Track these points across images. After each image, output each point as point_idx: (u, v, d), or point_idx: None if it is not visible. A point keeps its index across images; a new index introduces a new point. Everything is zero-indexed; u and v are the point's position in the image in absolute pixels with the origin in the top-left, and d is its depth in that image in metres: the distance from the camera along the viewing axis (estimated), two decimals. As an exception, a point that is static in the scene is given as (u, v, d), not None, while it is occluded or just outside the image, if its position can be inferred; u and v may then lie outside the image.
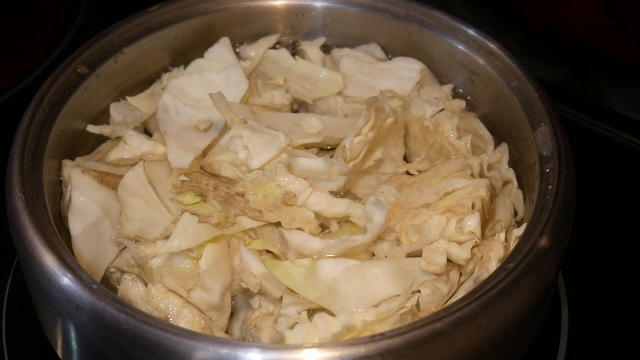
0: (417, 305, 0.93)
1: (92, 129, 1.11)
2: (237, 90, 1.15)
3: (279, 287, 0.94)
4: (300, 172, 1.02)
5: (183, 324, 0.91)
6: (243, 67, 1.19)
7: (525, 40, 1.77)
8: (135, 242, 0.98)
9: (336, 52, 1.24)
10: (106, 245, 1.00)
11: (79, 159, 1.07)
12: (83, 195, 1.02)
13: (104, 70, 1.12)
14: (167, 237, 0.96)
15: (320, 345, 0.79)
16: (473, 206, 1.00)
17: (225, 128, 1.10)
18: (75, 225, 1.00)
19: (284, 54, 1.23)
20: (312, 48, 1.23)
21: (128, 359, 0.81)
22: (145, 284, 0.94)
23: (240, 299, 0.99)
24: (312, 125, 1.13)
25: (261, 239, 1.00)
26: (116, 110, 1.15)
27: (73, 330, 0.87)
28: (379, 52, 1.24)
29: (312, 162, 1.01)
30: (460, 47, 1.16)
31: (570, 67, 1.79)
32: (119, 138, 1.11)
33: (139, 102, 1.16)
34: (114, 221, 1.02)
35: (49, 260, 0.86)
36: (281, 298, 0.94)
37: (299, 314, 0.92)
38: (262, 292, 0.96)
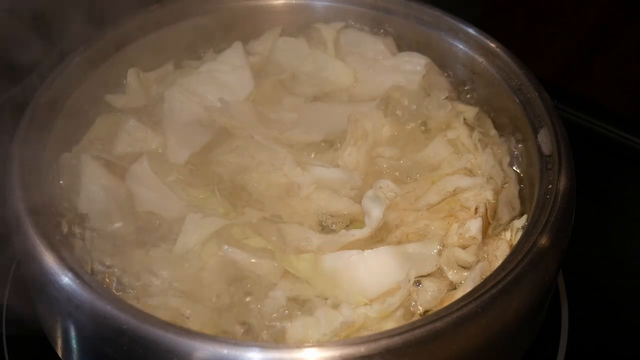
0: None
1: (109, 99, 1.12)
2: (243, 90, 1.15)
3: (275, 273, 0.94)
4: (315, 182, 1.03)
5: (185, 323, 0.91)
6: (253, 62, 1.19)
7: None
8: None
9: (343, 37, 1.22)
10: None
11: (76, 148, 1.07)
12: (93, 182, 1.02)
13: (104, 70, 1.12)
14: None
15: (320, 344, 0.79)
16: (476, 210, 1.00)
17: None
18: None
19: (297, 43, 1.22)
20: (327, 29, 1.22)
21: (128, 359, 0.81)
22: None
23: (240, 298, 0.99)
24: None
25: (260, 237, 1.00)
26: (132, 77, 1.15)
27: (73, 330, 0.87)
28: (393, 46, 1.23)
29: (327, 172, 1.02)
30: (460, 47, 1.16)
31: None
32: (115, 119, 1.10)
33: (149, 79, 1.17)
34: (123, 209, 1.01)
35: (49, 260, 0.86)
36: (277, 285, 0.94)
37: (289, 299, 0.92)
38: (258, 282, 0.96)
